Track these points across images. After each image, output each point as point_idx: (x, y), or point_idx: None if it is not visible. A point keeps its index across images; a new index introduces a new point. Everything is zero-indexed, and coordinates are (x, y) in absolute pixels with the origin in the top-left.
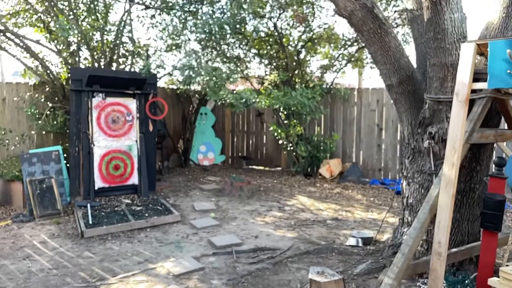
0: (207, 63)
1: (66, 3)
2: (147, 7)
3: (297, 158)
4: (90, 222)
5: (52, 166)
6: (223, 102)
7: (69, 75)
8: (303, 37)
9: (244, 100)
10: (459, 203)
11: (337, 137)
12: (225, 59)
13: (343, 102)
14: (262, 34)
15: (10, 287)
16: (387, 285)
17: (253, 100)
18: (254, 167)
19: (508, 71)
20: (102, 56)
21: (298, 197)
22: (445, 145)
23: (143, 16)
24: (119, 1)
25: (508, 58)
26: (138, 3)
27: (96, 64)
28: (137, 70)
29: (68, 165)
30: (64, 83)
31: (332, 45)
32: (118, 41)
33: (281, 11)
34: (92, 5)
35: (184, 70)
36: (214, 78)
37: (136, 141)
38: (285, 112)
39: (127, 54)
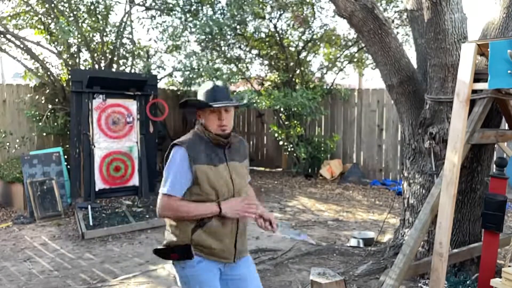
0: (208, 64)
1: (66, 5)
2: (147, 9)
3: (298, 159)
4: (91, 223)
5: (52, 168)
6: None
7: (70, 76)
8: (303, 37)
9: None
10: (460, 204)
11: (338, 137)
12: (225, 60)
13: (344, 102)
14: (263, 35)
15: None
16: (389, 286)
17: (254, 101)
18: (254, 168)
19: (508, 71)
20: (103, 58)
21: (299, 198)
22: (446, 146)
23: (143, 18)
24: (120, 3)
25: (509, 58)
26: (138, 4)
27: (96, 66)
28: (137, 71)
29: (68, 166)
30: (65, 85)
31: (332, 45)
32: (118, 43)
33: (281, 12)
34: (92, 7)
35: (184, 71)
36: (214, 79)
37: (137, 142)
38: (285, 113)
39: (127, 55)
